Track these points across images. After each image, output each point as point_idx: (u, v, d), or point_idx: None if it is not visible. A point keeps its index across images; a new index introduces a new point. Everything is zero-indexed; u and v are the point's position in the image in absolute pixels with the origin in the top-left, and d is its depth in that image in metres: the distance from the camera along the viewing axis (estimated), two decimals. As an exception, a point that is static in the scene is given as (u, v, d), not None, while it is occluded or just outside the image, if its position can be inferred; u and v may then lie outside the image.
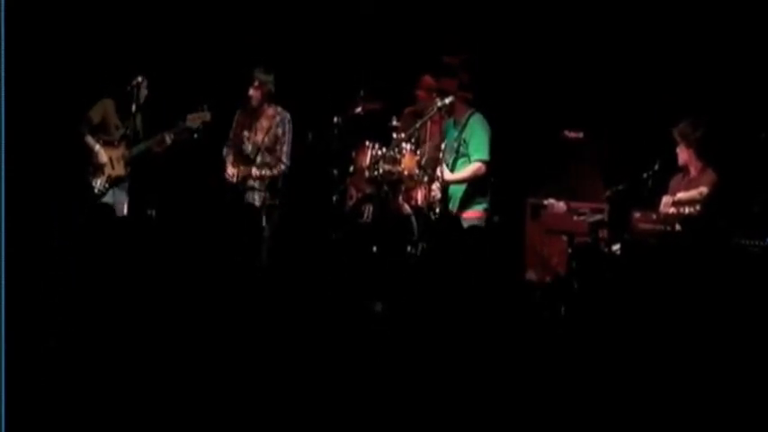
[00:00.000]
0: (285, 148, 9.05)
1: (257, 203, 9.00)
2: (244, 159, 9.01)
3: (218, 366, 4.25)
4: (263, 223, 8.87)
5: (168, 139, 8.82)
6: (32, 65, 8.93)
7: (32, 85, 8.87)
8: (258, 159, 9.03)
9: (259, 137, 9.02)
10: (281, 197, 9.06)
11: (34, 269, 4.83)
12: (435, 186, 8.45)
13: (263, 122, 9.03)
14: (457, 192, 8.49)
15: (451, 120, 8.65)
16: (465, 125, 8.50)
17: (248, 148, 9.04)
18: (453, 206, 8.48)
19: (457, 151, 8.50)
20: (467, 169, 8.45)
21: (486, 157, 8.40)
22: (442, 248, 7.30)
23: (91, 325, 4.43)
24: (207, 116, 8.86)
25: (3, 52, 4.90)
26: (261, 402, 4.11)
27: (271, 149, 9.01)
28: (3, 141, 4.89)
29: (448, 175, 8.44)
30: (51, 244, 5.27)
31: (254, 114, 9.05)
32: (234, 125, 9.11)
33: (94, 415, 4.00)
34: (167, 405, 4.07)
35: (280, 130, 9.04)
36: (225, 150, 9.14)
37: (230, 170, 9.01)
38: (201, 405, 4.08)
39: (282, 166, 8.94)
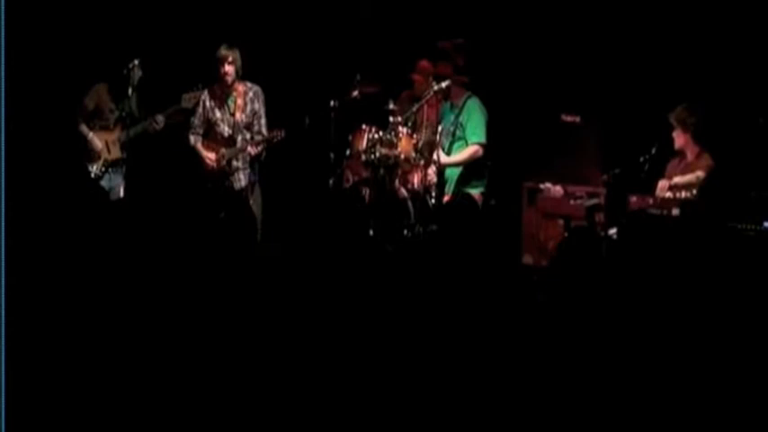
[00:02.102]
0: (263, 121, 8.96)
1: (243, 183, 8.96)
2: (224, 142, 8.93)
3: (217, 363, 4.23)
4: (251, 202, 8.87)
5: (161, 119, 8.79)
6: (25, 55, 8.91)
7: (27, 75, 8.85)
8: (239, 139, 8.93)
9: (237, 115, 8.92)
10: (260, 173, 9.06)
11: (34, 262, 4.82)
12: (432, 170, 8.49)
13: (238, 101, 8.90)
14: (453, 175, 8.53)
15: (448, 103, 8.69)
16: (461, 109, 8.54)
17: (225, 129, 8.94)
18: (449, 189, 8.52)
19: (453, 134, 8.54)
20: (463, 152, 8.50)
21: (482, 140, 8.44)
22: (458, 229, 7.37)
23: (89, 317, 4.42)
24: (201, 95, 8.85)
25: (3, 47, 4.90)
26: (257, 397, 4.13)
27: (249, 126, 8.94)
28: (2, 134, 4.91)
29: (444, 158, 8.48)
30: (50, 236, 5.27)
31: (224, 94, 8.92)
32: (200, 110, 8.93)
33: (94, 414, 4.00)
34: (170, 395, 4.08)
35: (256, 105, 8.94)
36: (192, 138, 8.99)
37: (211, 155, 8.92)
38: (203, 395, 4.08)
39: (281, 134, 8.86)
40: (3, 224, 4.64)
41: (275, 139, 8.84)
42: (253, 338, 4.36)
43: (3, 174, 4.81)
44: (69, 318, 4.40)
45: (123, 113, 8.88)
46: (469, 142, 8.46)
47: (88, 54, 9.25)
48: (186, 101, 8.78)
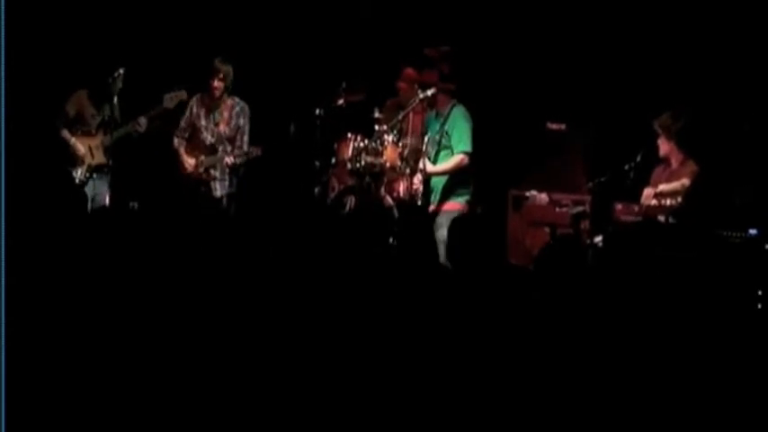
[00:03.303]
0: (246, 138, 9.09)
1: (219, 193, 9.08)
2: (205, 150, 9.07)
3: (213, 364, 4.21)
4: (224, 212, 8.96)
5: (143, 121, 8.82)
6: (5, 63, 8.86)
7: (6, 82, 8.80)
8: (220, 149, 9.07)
9: (221, 127, 9.06)
10: (238, 186, 9.18)
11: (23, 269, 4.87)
12: (417, 179, 8.49)
13: (224, 113, 9.05)
14: (438, 184, 8.52)
15: (433, 112, 8.68)
16: (447, 117, 8.53)
17: (208, 138, 9.07)
18: (435, 198, 8.51)
19: (439, 143, 8.52)
20: (450, 161, 8.48)
21: (468, 148, 8.44)
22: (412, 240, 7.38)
23: (79, 322, 4.46)
24: (183, 95, 8.90)
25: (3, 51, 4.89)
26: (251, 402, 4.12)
27: (231, 139, 9.06)
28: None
29: (430, 167, 8.47)
30: (35, 243, 5.28)
31: (212, 105, 9.05)
32: (187, 114, 9.08)
33: (95, 414, 4.00)
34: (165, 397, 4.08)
35: (241, 121, 9.08)
36: (176, 141, 9.12)
37: (191, 160, 9.06)
38: (198, 396, 4.08)
39: (258, 152, 8.99)
40: (2, 227, 4.70)
41: (251, 156, 8.99)
42: (241, 343, 4.32)
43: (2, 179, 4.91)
44: (56, 320, 4.37)
45: (106, 118, 8.89)
46: (455, 151, 8.47)
47: (67, 60, 9.24)
48: (168, 101, 8.85)
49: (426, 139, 8.57)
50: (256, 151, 8.99)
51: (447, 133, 8.50)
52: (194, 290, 4.70)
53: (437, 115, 8.64)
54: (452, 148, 8.48)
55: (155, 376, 4.11)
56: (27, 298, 4.44)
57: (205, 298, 4.62)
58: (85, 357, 4.15)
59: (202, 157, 9.05)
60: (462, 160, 8.45)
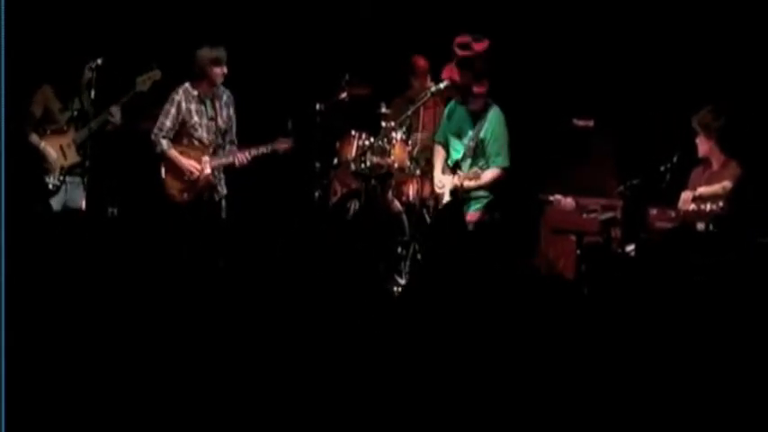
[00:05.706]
0: (234, 129, 8.88)
1: (220, 196, 8.84)
2: (204, 148, 8.76)
3: (209, 367, 4.29)
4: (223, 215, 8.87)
5: (116, 110, 8.61)
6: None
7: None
8: (225, 145, 8.81)
9: (219, 121, 8.78)
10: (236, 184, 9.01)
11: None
12: (440, 181, 8.38)
13: (216, 104, 8.78)
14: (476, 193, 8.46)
15: (452, 104, 8.57)
16: (483, 121, 8.40)
17: (204, 135, 8.75)
18: (473, 207, 8.46)
19: (474, 151, 8.40)
20: (486, 177, 8.37)
21: (507, 163, 8.38)
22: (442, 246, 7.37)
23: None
24: (157, 74, 8.67)
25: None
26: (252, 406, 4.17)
27: (226, 133, 8.84)
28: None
29: (467, 183, 8.35)
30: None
31: (206, 97, 8.77)
32: (174, 112, 8.75)
33: (94, 414, 4.08)
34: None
35: (231, 111, 8.84)
36: (164, 143, 8.73)
37: (194, 163, 8.68)
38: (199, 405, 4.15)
39: (288, 144, 8.78)
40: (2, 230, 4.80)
41: (281, 151, 8.71)
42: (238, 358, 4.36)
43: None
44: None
45: (74, 113, 8.69)
46: (493, 164, 8.37)
47: (25, 56, 9.07)
48: (141, 84, 8.62)
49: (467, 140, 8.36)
50: (287, 143, 8.71)
51: (482, 141, 8.38)
52: (188, 305, 4.71)
53: (468, 112, 8.45)
54: (489, 159, 8.35)
55: (146, 382, 4.18)
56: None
57: (200, 311, 4.65)
58: (77, 364, 4.24)
59: (206, 158, 8.70)
60: (500, 176, 8.37)
